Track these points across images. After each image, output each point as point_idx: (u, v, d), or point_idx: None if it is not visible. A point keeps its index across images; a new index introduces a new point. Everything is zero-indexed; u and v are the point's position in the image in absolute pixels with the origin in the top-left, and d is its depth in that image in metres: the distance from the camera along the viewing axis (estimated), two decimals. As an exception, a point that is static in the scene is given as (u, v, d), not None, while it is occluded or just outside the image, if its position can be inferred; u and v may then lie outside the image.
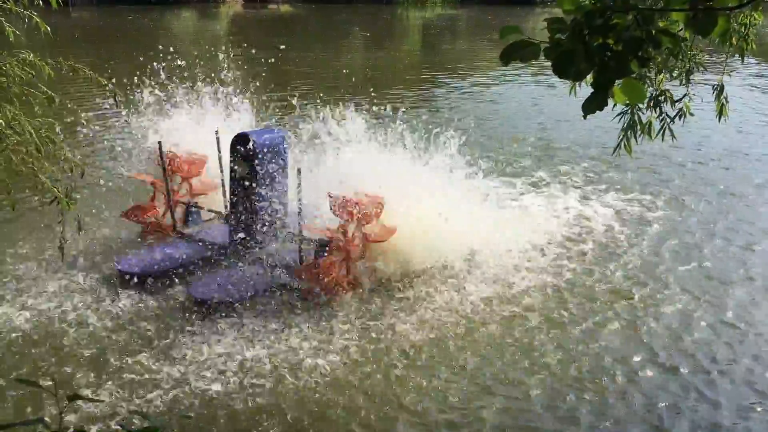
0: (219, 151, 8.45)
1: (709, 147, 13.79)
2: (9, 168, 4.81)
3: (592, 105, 2.26)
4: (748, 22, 5.44)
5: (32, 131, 4.74)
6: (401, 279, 7.85)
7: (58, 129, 5.34)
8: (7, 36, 4.75)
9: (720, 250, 9.02)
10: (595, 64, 2.18)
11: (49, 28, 5.06)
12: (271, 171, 7.74)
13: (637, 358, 6.53)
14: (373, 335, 6.80)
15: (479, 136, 13.93)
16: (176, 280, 7.74)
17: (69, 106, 8.16)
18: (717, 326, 7.14)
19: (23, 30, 5.11)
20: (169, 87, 9.38)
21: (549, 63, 2.21)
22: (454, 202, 8.03)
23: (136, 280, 7.63)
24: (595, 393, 6.02)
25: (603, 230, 9.58)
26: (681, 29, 3.71)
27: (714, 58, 9.09)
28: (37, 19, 4.98)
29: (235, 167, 7.84)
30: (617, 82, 2.29)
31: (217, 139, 8.40)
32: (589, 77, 2.26)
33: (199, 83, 9.63)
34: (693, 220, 10.02)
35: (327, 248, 7.37)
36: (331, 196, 7.37)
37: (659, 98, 5.36)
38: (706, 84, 5.87)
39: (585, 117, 2.33)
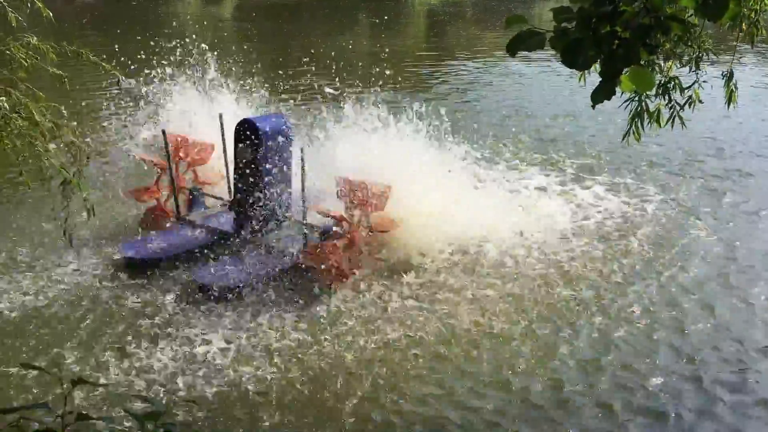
0: (223, 137, 8.43)
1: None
2: (16, 151, 4.80)
3: (601, 94, 2.23)
4: (758, 7, 5.35)
5: (37, 115, 4.71)
6: (405, 266, 7.84)
7: (64, 112, 5.32)
8: (10, 22, 4.72)
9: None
10: (603, 52, 2.15)
11: (51, 14, 5.01)
12: (274, 157, 7.72)
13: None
14: (376, 323, 6.80)
15: (493, 123, 13.84)
16: (180, 266, 7.76)
17: (77, 88, 8.12)
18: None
19: (27, 16, 5.06)
20: (175, 73, 9.34)
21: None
22: (460, 188, 8.05)
23: (139, 265, 7.64)
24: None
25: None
26: (690, 15, 3.65)
27: (722, 46, 8.98)
28: (40, 4, 4.94)
29: (239, 153, 7.82)
30: (625, 70, 2.25)
31: (221, 124, 8.37)
32: (597, 66, 2.23)
33: (205, 69, 9.58)
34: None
35: (331, 234, 7.36)
36: (337, 179, 7.34)
37: (668, 85, 5.30)
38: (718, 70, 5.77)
39: (594, 107, 2.30)
